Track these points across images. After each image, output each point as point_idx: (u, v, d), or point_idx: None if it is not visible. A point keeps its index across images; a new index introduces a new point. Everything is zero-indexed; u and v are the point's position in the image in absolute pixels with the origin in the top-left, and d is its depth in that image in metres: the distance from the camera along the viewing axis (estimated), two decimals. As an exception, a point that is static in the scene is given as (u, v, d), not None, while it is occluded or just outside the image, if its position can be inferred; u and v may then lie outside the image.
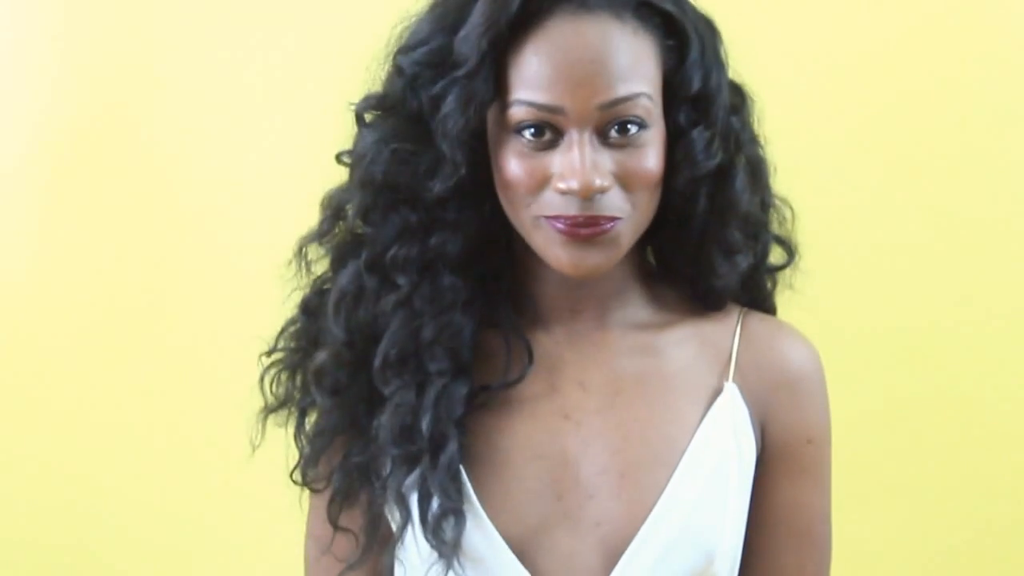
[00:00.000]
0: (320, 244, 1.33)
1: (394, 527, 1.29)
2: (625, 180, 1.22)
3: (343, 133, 1.32)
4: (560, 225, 1.22)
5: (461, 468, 1.26)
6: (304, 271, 1.34)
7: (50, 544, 2.35)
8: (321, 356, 1.29)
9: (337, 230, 1.32)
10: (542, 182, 1.23)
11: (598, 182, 1.20)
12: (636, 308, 1.34)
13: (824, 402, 1.34)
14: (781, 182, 1.37)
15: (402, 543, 1.28)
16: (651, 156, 1.23)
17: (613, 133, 1.22)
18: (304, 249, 1.33)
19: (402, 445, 1.26)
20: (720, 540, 1.27)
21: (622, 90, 1.21)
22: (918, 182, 2.15)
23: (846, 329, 2.10)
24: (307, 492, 1.35)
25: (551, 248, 1.24)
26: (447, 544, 1.24)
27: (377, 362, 1.27)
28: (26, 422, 2.35)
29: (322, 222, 1.33)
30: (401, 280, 1.27)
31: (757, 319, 1.35)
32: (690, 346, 1.33)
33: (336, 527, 1.30)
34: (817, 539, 1.34)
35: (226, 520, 2.32)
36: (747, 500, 1.31)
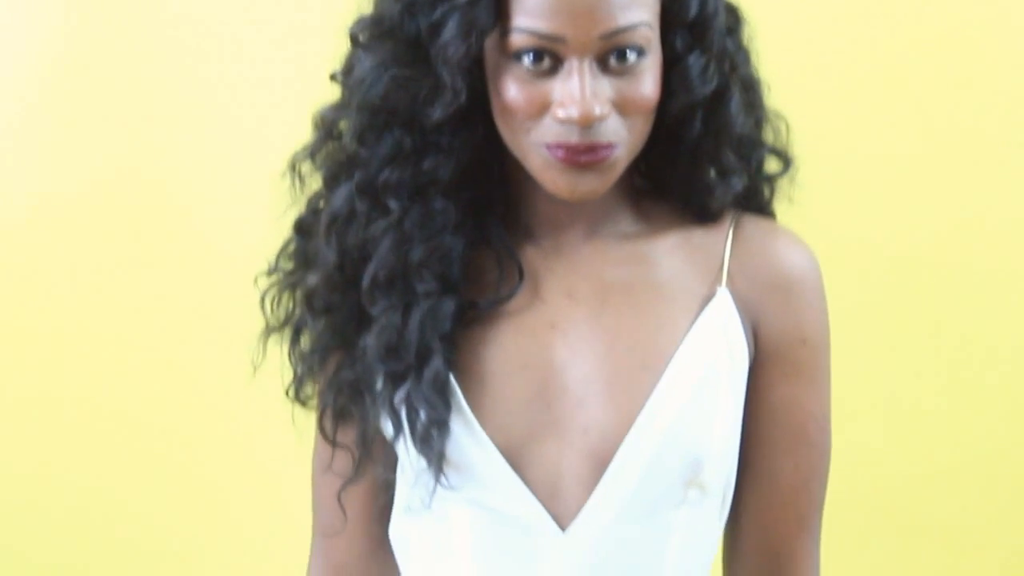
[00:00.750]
0: (312, 161, 1.33)
1: (387, 443, 1.31)
2: (623, 107, 1.23)
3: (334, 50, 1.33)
4: (560, 153, 1.23)
5: (453, 380, 1.28)
6: (298, 187, 1.34)
7: (47, 461, 2.39)
8: (312, 278, 1.31)
9: (330, 148, 1.32)
10: (541, 108, 1.23)
11: (598, 111, 1.21)
12: (625, 221, 1.34)
13: (820, 304, 1.33)
14: (776, 97, 1.36)
15: (396, 455, 1.30)
16: (649, 83, 1.23)
17: (612, 61, 1.22)
18: (297, 166, 1.34)
19: (388, 363, 1.27)
20: (709, 447, 1.27)
21: (623, 20, 1.21)
22: (916, 92, 2.16)
23: (846, 240, 2.10)
24: (300, 412, 1.37)
25: (548, 173, 1.25)
26: (434, 453, 1.26)
27: (365, 283, 1.28)
28: (23, 335, 2.38)
29: (315, 140, 1.33)
30: (392, 204, 1.28)
31: (751, 222, 1.34)
32: (680, 254, 1.32)
33: (333, 443, 1.32)
34: (813, 441, 1.33)
35: (226, 442, 2.35)
36: (740, 407, 1.31)
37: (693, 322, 1.30)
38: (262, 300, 1.35)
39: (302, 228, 1.34)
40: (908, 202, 2.18)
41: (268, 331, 1.35)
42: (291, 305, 1.35)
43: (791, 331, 1.32)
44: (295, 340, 1.34)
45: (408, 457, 1.29)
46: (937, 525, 2.25)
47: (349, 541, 1.39)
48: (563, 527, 1.26)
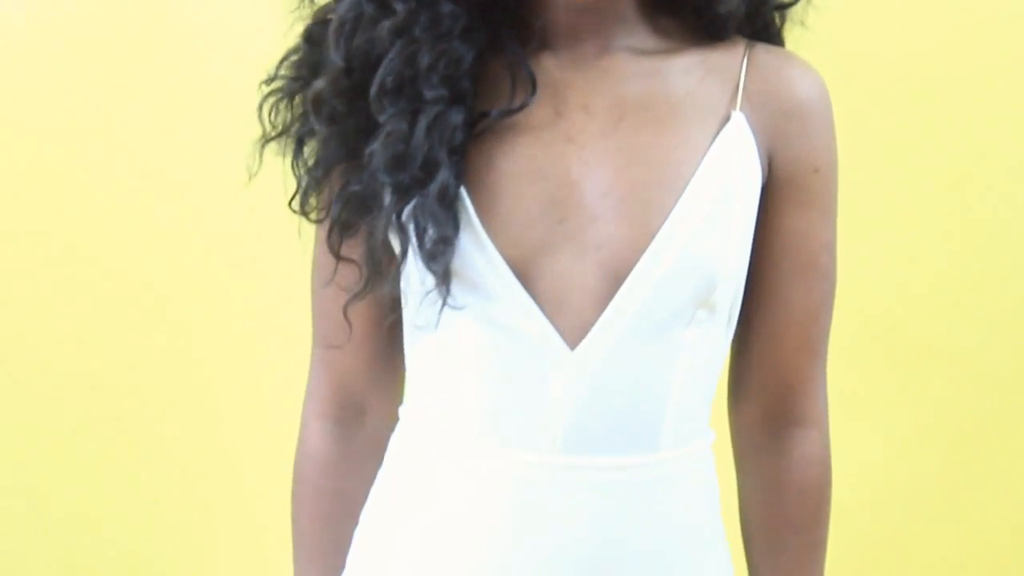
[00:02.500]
0: None
1: (395, 258, 1.29)
2: None
3: None
4: None
5: (464, 192, 1.26)
6: (308, 1, 1.32)
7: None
8: (319, 83, 1.28)
9: None
10: None
11: None
12: (640, 36, 1.32)
13: (831, 132, 1.33)
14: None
15: (404, 272, 1.28)
16: None
17: None
18: None
19: (394, 174, 1.25)
20: (724, 267, 1.27)
21: None
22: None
23: (855, 64, 2.11)
24: (306, 224, 1.35)
25: None
26: (444, 270, 1.24)
27: (373, 89, 1.25)
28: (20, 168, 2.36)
29: None
30: (399, 6, 1.25)
31: (764, 50, 1.34)
32: (696, 73, 1.31)
33: (338, 257, 1.30)
34: (822, 270, 1.34)
35: (224, 248, 2.36)
36: (751, 230, 1.31)
37: (711, 143, 1.28)
38: (260, 107, 1.32)
39: (311, 38, 1.31)
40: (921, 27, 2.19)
41: (266, 139, 1.32)
42: (291, 115, 1.32)
43: (805, 159, 1.31)
44: (298, 150, 1.31)
45: (416, 273, 1.27)
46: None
47: (353, 354, 1.38)
48: (572, 345, 1.26)
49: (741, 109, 1.30)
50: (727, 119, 1.30)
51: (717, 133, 1.29)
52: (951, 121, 2.25)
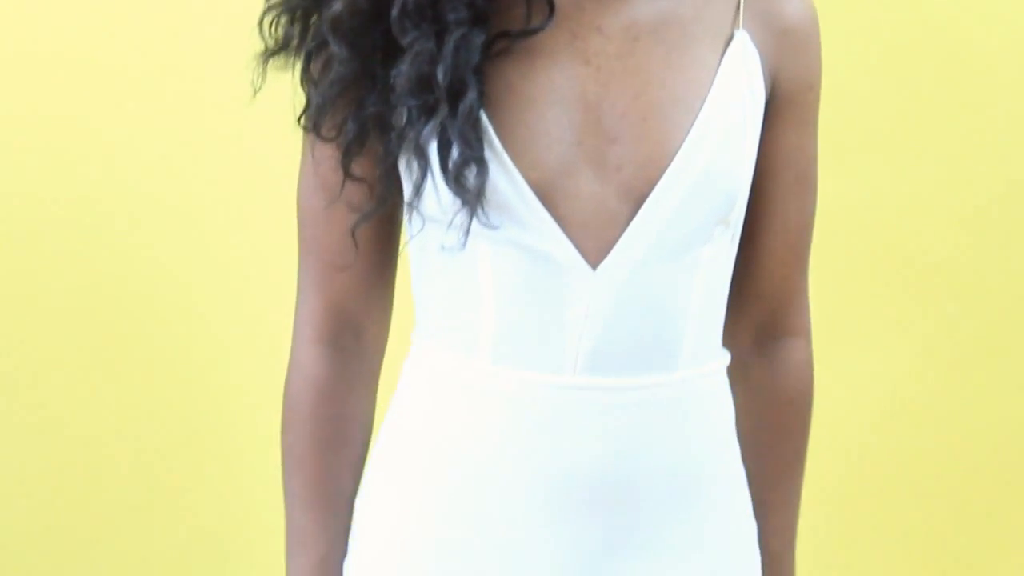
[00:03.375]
0: None
1: (409, 179, 1.27)
2: None
3: None
4: None
5: (483, 114, 1.25)
6: None
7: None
8: (337, 5, 1.24)
9: None
10: None
11: None
12: None
13: (820, 50, 1.37)
14: None
15: (419, 195, 1.26)
16: None
17: None
18: None
19: (419, 95, 1.23)
20: (742, 184, 1.30)
21: None
22: None
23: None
24: (303, 144, 1.33)
25: None
26: (470, 191, 1.23)
27: (395, 11, 1.23)
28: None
29: None
30: None
31: None
32: None
33: (351, 177, 1.27)
34: (812, 183, 1.39)
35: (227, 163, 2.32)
36: (756, 148, 1.33)
37: (720, 61, 1.30)
38: (260, 22, 1.29)
39: None
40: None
41: (268, 54, 1.29)
42: (293, 29, 1.28)
43: (802, 77, 1.35)
44: (306, 67, 1.28)
45: (436, 195, 1.25)
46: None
47: (352, 275, 1.35)
48: (593, 265, 1.26)
49: (744, 27, 1.31)
50: (731, 38, 1.31)
51: (724, 52, 1.30)
52: (953, 38, 2.23)
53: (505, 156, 1.24)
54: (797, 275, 1.41)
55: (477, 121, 1.23)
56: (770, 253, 1.38)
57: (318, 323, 1.37)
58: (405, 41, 1.23)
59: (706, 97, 1.27)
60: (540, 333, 1.27)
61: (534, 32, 1.26)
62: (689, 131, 1.26)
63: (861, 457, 2.34)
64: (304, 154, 1.33)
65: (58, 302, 2.35)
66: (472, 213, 1.23)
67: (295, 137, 1.32)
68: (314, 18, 1.27)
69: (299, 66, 1.28)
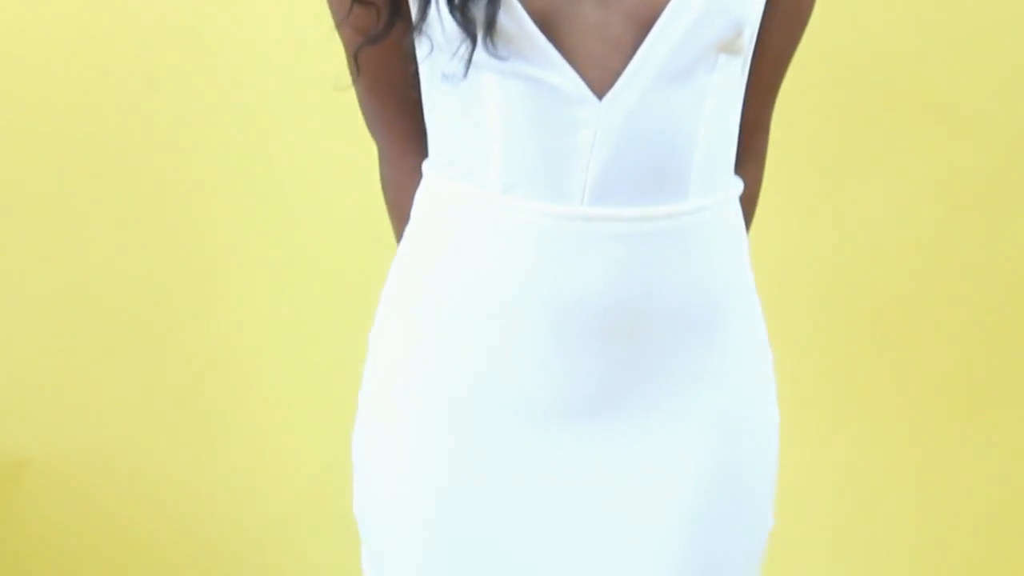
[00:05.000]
0: None
1: (416, 3, 1.28)
2: None
3: None
4: None
5: None
6: None
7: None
8: None
9: None
10: None
11: None
12: None
13: None
14: None
15: (425, 19, 1.27)
16: None
17: None
18: None
19: None
20: (750, 9, 1.29)
21: None
22: None
23: None
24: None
25: None
26: (473, 23, 1.23)
27: None
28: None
29: None
30: None
31: None
32: None
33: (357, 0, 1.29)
34: (805, 18, 1.40)
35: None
36: None
37: None
38: None
39: None
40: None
41: None
42: None
43: None
44: None
45: (441, 24, 1.26)
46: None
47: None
48: (599, 95, 1.26)
49: None
50: None
51: None
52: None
53: None
54: (770, 104, 1.44)
55: None
56: (752, 86, 1.38)
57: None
58: None
59: None
60: (547, 163, 1.27)
61: None
62: None
63: (868, 295, 2.32)
64: None
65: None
66: (474, 45, 1.23)
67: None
68: None
69: None
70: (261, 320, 2.35)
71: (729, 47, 1.28)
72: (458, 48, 1.24)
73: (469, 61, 1.24)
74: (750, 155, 1.44)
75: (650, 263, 1.29)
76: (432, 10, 1.25)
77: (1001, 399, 2.37)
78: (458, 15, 1.23)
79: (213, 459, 2.39)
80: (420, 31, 1.27)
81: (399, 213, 1.45)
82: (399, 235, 1.46)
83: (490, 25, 1.22)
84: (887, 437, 2.38)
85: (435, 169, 1.35)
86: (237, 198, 2.33)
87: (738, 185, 1.38)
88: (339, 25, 1.32)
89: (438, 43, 1.27)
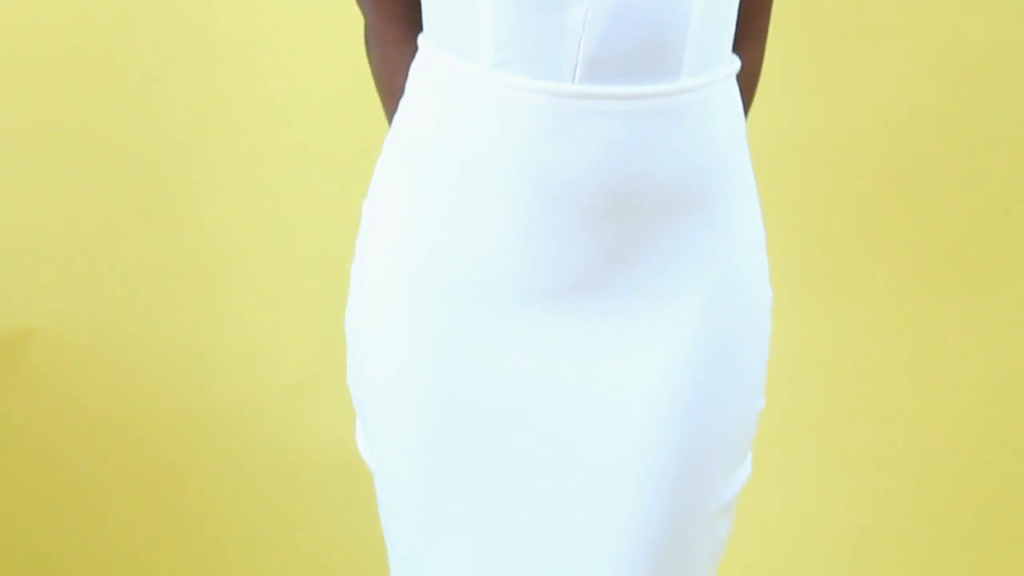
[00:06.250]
0: None
1: None
2: None
3: None
4: None
5: None
6: None
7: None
8: None
9: None
10: None
11: None
12: None
13: None
14: None
15: None
16: None
17: None
18: None
19: None
20: None
21: None
22: None
23: None
24: None
25: None
26: None
27: None
28: None
29: None
30: None
31: None
32: None
33: None
34: None
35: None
36: None
37: None
38: None
39: None
40: None
41: None
42: None
43: None
44: None
45: None
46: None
47: None
48: None
49: None
50: None
51: None
52: None
53: None
54: None
55: None
56: None
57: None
58: None
59: None
60: (539, 39, 1.25)
61: None
62: None
63: (868, 170, 2.30)
64: None
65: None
66: None
67: None
68: None
69: None
70: (262, 192, 2.34)
71: None
72: None
73: None
74: (751, 33, 1.43)
75: (643, 142, 1.27)
76: None
77: (1003, 274, 2.37)
78: None
79: (213, 329, 2.40)
80: None
81: (385, 86, 1.44)
82: (387, 110, 1.46)
83: None
84: (886, 316, 2.38)
85: (429, 42, 1.34)
86: (236, 73, 2.32)
87: (736, 64, 1.37)
88: None
89: None
